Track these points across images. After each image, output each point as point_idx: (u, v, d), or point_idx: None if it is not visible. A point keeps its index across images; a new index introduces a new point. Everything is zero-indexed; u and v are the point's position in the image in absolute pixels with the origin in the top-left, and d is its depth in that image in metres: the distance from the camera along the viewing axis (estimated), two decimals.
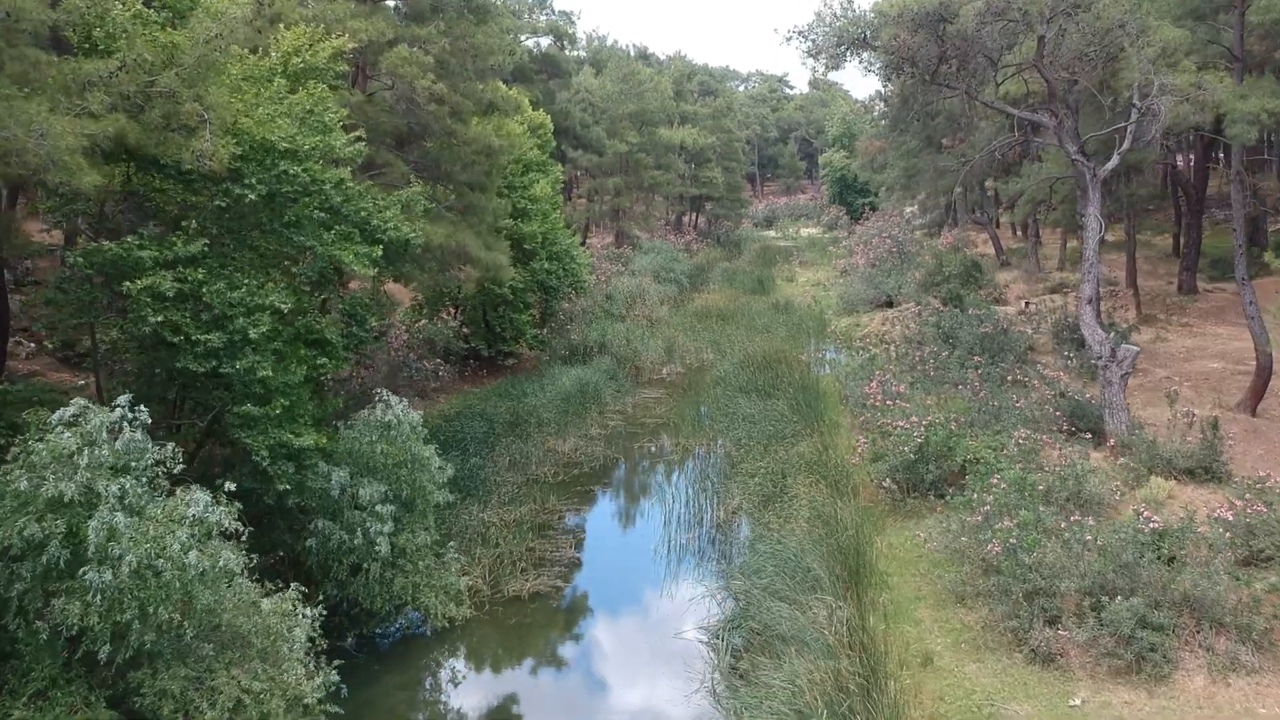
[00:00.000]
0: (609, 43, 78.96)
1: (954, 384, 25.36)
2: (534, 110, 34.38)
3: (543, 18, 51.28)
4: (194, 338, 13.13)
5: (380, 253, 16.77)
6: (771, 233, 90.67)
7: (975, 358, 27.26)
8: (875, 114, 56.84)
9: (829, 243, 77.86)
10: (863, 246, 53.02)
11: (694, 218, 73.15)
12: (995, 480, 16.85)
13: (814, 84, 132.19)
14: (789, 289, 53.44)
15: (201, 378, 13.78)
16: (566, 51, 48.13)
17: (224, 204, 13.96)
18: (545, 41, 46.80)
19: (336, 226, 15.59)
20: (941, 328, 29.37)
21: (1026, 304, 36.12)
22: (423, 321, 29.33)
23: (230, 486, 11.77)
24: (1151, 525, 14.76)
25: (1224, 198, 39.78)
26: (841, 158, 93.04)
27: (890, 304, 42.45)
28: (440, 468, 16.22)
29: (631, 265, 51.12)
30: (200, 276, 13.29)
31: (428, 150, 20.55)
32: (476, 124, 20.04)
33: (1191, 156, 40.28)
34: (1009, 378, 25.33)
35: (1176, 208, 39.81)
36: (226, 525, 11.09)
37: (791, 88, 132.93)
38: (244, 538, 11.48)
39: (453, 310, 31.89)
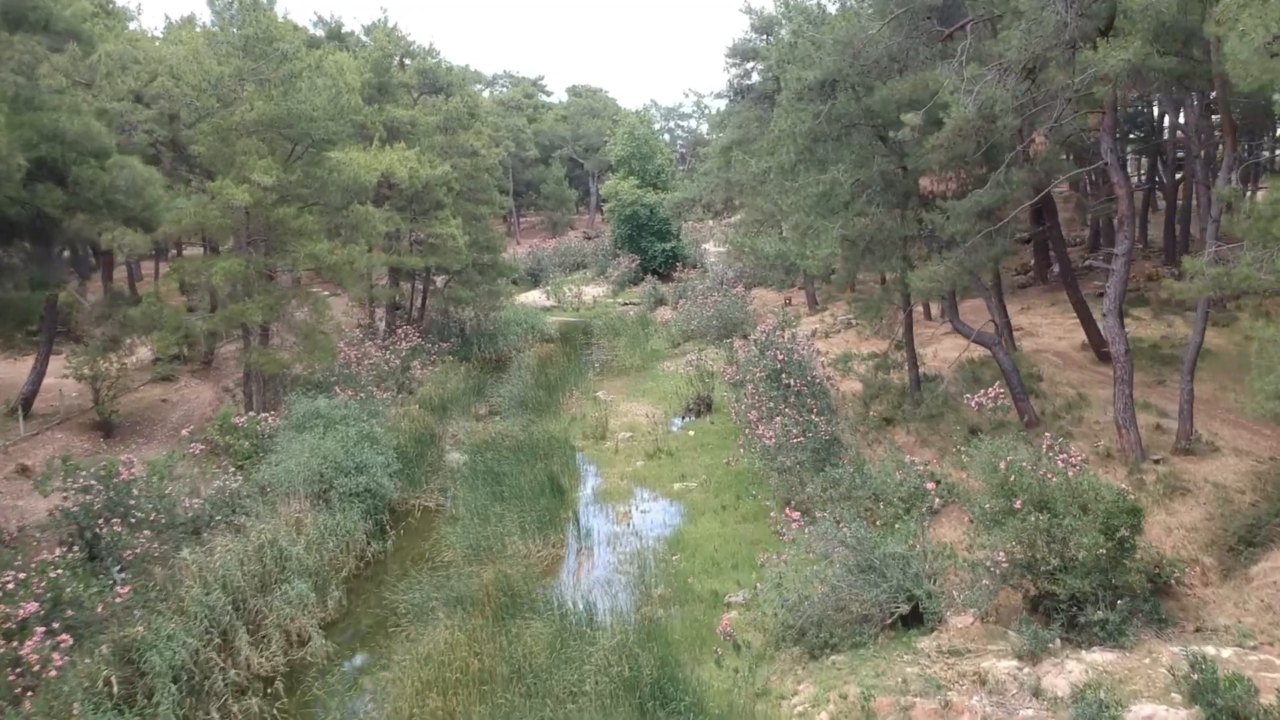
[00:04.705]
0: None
1: None
2: None
3: None
4: None
5: None
6: (538, 295, 63.33)
7: None
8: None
9: (635, 321, 51.89)
10: (750, 389, 26.93)
11: (417, 300, 43.64)
12: None
13: (576, 91, 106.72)
14: (611, 476, 26.43)
15: None
16: None
17: None
18: None
19: None
20: None
21: None
22: None
23: None
24: None
25: None
26: (631, 188, 67.70)
27: (916, 616, 16.48)
28: None
29: (264, 465, 22.17)
30: None
31: None
32: None
33: None
34: None
35: None
36: None
37: (549, 94, 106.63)
38: None
39: None
